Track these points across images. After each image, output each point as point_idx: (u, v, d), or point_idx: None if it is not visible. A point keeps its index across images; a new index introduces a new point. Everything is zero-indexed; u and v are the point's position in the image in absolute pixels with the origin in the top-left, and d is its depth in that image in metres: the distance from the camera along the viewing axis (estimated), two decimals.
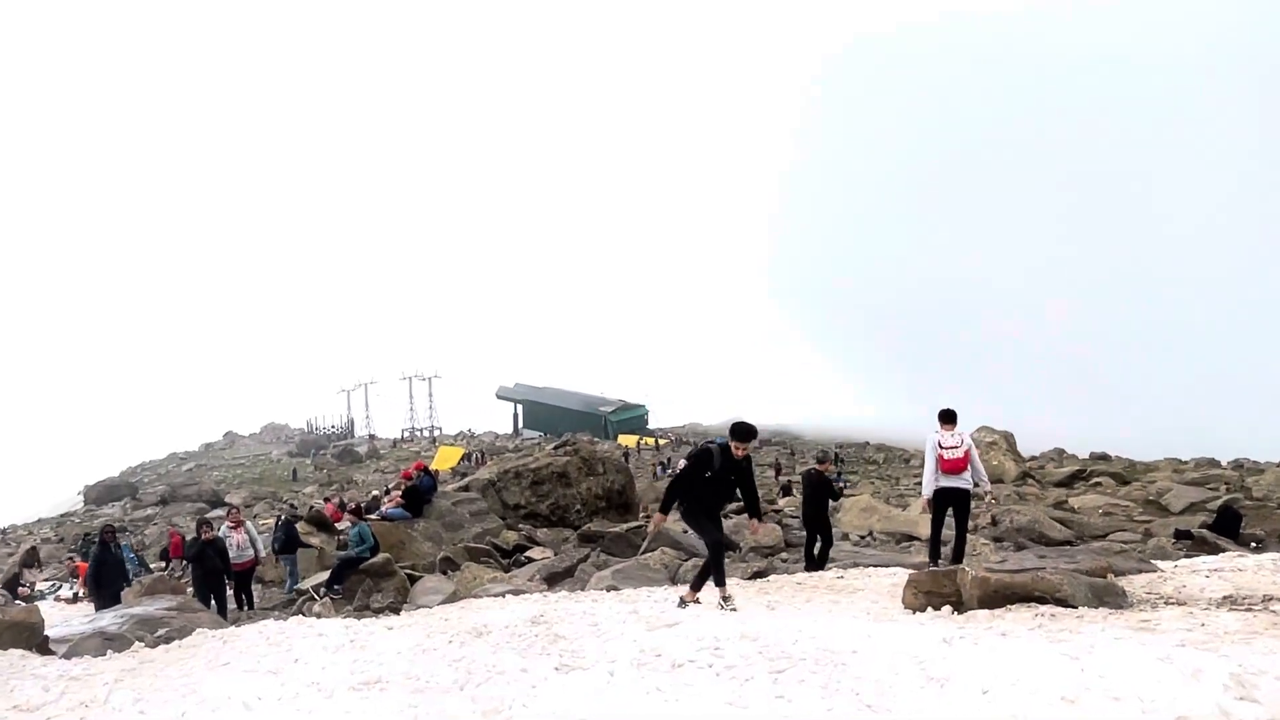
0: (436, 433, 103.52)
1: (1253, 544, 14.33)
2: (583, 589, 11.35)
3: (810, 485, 12.91)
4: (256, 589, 16.31)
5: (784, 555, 17.44)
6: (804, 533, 14.53)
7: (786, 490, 31.59)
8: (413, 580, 14.40)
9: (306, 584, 15.58)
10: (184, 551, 16.45)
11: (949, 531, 10.43)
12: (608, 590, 10.54)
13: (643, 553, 15.39)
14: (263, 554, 15.68)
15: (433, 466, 34.13)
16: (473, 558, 16.58)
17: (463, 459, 55.91)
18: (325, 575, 15.15)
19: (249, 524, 16.02)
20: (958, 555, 10.30)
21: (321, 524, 21.32)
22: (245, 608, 14.53)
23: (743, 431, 8.23)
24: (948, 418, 10.21)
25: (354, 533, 15.13)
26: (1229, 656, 4.75)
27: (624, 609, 8.01)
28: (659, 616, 7.33)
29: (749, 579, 10.82)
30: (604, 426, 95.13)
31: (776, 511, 26.51)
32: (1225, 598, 6.97)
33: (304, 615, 11.40)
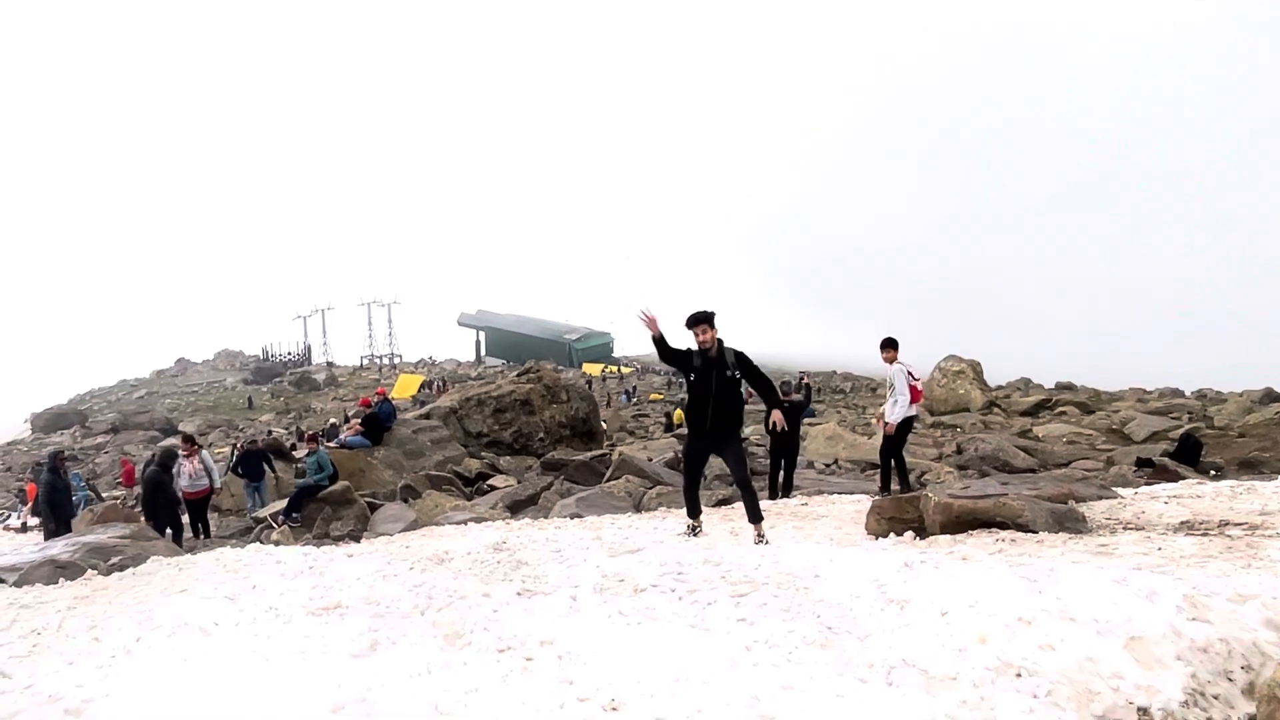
0: (396, 360, 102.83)
1: (1212, 471, 14.61)
2: (546, 517, 11.32)
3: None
4: (213, 518, 16.15)
5: None
6: (768, 460, 14.79)
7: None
8: (373, 508, 14.27)
9: (264, 512, 15.44)
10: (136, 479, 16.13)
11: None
12: (571, 518, 10.53)
13: (607, 481, 15.42)
14: (218, 483, 15.46)
15: (392, 394, 33.88)
16: (434, 486, 16.50)
17: (423, 387, 55.68)
18: (283, 503, 15.01)
19: (204, 452, 15.80)
20: (905, 479, 10.86)
21: (279, 452, 21.11)
22: (202, 536, 14.39)
23: (692, 316, 7.28)
24: (893, 344, 10.66)
25: (312, 460, 14.96)
26: (1184, 579, 4.82)
27: (587, 536, 7.99)
28: (622, 543, 7.32)
29: (713, 506, 10.86)
30: (568, 354, 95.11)
31: (741, 441, 26.58)
32: (1182, 523, 7.08)
33: (261, 543, 11.29)
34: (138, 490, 17.89)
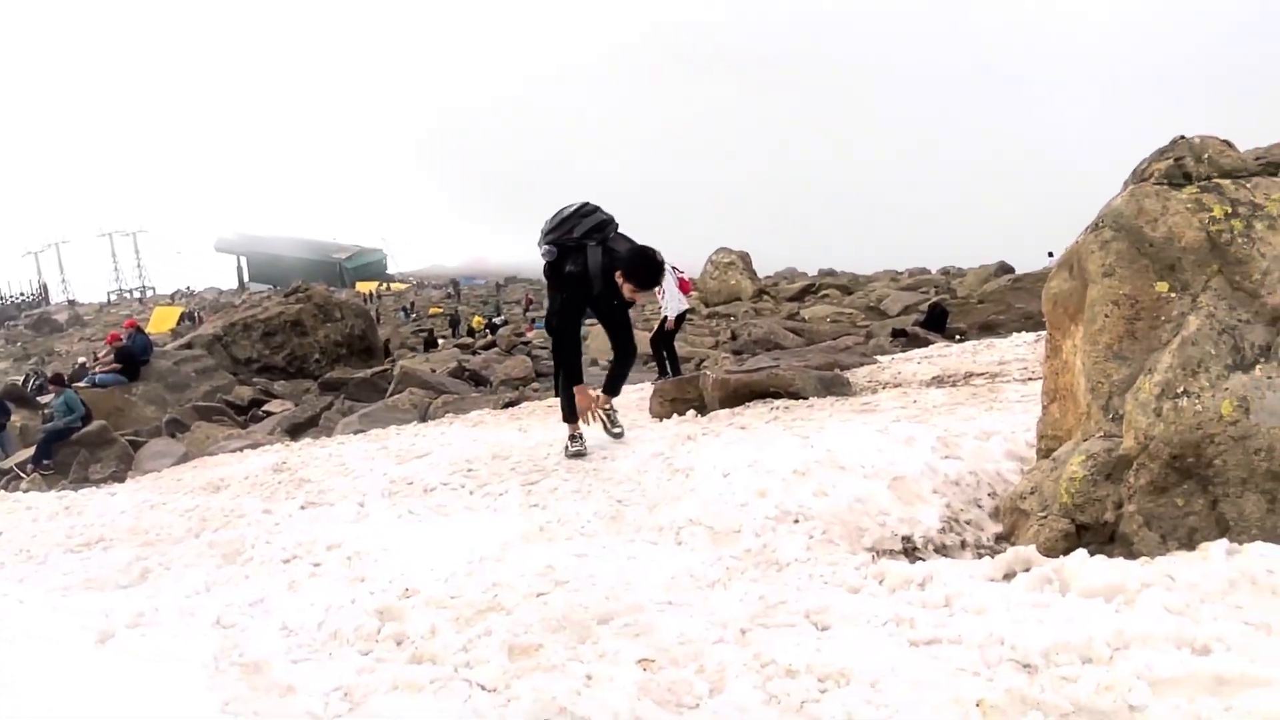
0: (149, 293, 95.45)
1: (956, 336, 16.15)
2: (329, 436, 10.93)
3: None
4: None
5: (535, 385, 17.70)
6: (553, 363, 15.07)
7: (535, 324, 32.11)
8: (136, 446, 13.33)
9: (9, 462, 14.05)
10: None
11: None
12: (355, 434, 10.20)
13: (390, 395, 15.08)
14: None
15: (148, 330, 31.51)
16: (204, 417, 15.59)
17: (182, 319, 52.10)
18: (30, 451, 13.74)
19: None
20: (677, 367, 11.56)
21: (19, 399, 19.23)
22: None
23: (648, 276, 5.65)
24: None
25: (59, 403, 13.74)
26: (937, 425, 5.26)
27: (373, 447, 7.77)
28: (409, 449, 7.16)
29: (501, 408, 10.84)
30: (340, 274, 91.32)
31: (525, 344, 26.81)
32: (934, 379, 7.72)
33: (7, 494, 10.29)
34: None
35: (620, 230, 5.93)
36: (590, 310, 6.08)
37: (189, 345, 21.97)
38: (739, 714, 2.22)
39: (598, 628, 2.84)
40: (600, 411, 6.04)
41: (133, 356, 17.81)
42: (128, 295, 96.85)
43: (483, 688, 2.47)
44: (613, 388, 6.36)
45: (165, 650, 3.07)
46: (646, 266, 5.60)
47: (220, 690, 2.64)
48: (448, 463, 6.06)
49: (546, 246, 5.91)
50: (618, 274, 5.61)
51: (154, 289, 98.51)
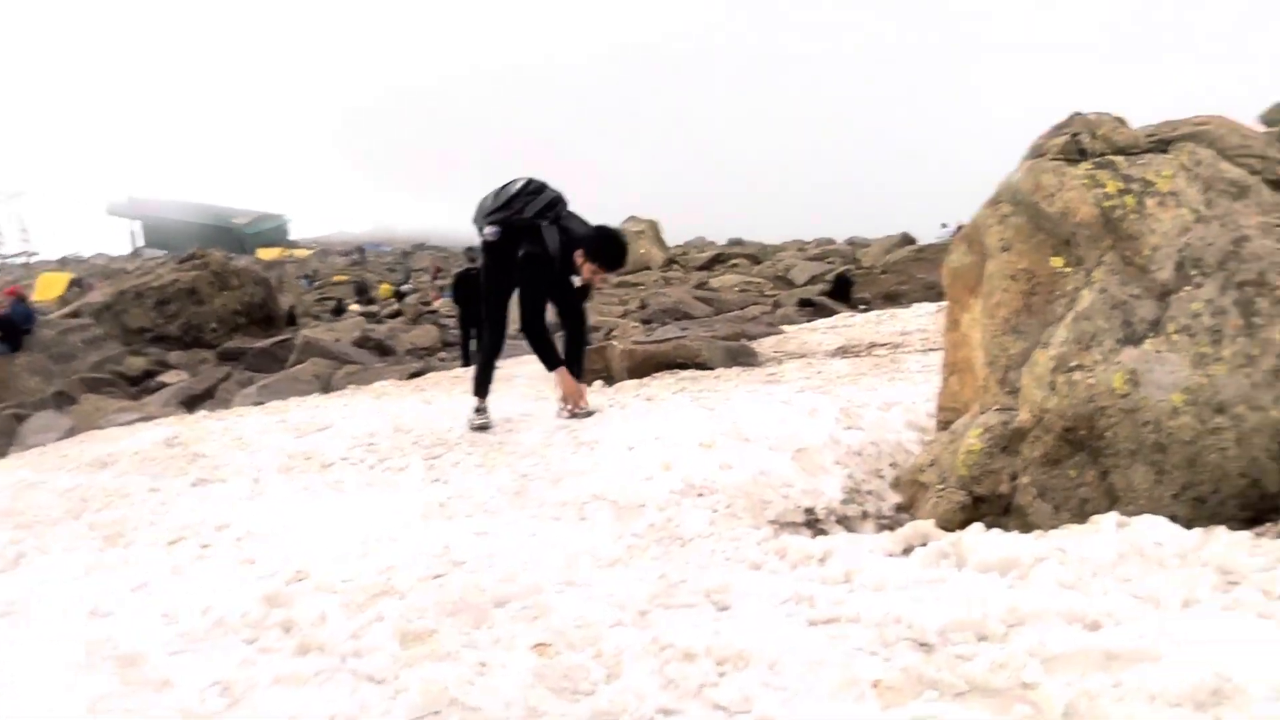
0: (31, 259, 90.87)
1: (861, 305, 16.51)
2: (226, 408, 10.55)
3: (466, 284, 13.08)
4: None
5: (441, 355, 17.48)
6: (459, 332, 15.08)
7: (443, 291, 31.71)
8: (19, 420, 12.73)
9: None
10: None
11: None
12: (254, 406, 9.86)
13: (292, 365, 14.71)
14: None
15: (34, 299, 30.06)
16: (92, 389, 14.97)
17: (73, 285, 49.81)
18: None
19: None
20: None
21: None
22: None
23: (615, 256, 5.55)
24: None
25: None
26: (840, 396, 5.31)
27: (271, 420, 7.48)
28: (310, 422, 6.93)
29: (407, 379, 10.62)
30: (239, 241, 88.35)
31: (432, 313, 26.49)
32: (838, 349, 7.81)
33: None
34: None
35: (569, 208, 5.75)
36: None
37: (76, 314, 21.06)
38: (636, 700, 2.17)
39: (494, 611, 2.76)
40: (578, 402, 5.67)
41: (14, 326, 17.05)
42: (10, 261, 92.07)
43: (370, 679, 2.37)
44: (578, 374, 5.96)
45: (35, 642, 2.89)
46: (613, 246, 5.50)
47: (90, 686, 2.48)
48: (349, 436, 5.89)
49: (492, 227, 5.62)
50: (578, 254, 5.46)
51: (38, 254, 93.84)
